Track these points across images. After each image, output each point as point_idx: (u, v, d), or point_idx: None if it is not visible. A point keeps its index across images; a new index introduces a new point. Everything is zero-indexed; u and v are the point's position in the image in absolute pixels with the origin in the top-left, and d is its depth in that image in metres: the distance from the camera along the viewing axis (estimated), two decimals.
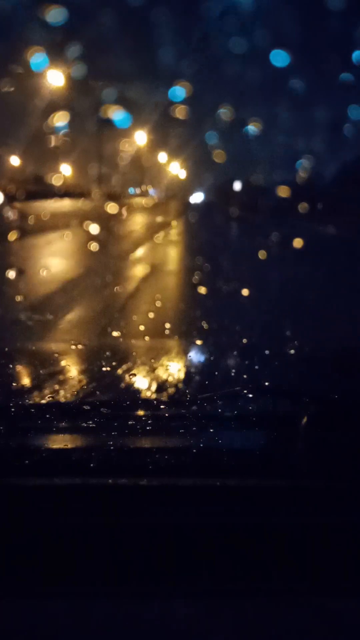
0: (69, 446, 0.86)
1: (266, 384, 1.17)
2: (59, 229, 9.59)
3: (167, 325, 3.15)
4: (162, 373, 1.26)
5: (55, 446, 0.86)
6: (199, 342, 1.70)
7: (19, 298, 4.12)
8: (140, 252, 8.88)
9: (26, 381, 1.25)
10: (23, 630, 0.61)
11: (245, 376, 1.29)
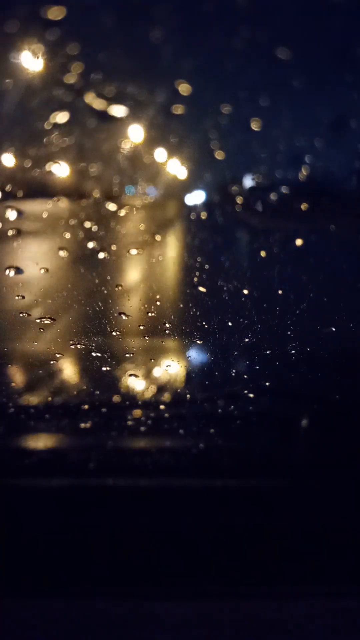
0: (69, 446, 0.86)
1: (266, 384, 1.17)
2: None
3: None
4: (162, 373, 1.26)
5: (55, 446, 0.87)
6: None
7: None
8: None
9: (26, 381, 1.25)
10: (23, 630, 0.61)
11: (245, 376, 1.29)
